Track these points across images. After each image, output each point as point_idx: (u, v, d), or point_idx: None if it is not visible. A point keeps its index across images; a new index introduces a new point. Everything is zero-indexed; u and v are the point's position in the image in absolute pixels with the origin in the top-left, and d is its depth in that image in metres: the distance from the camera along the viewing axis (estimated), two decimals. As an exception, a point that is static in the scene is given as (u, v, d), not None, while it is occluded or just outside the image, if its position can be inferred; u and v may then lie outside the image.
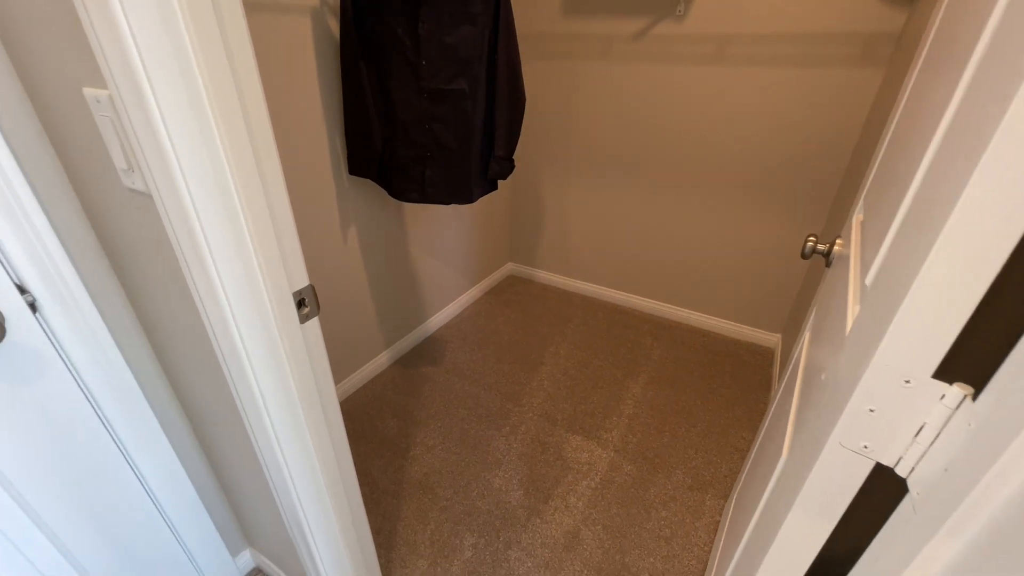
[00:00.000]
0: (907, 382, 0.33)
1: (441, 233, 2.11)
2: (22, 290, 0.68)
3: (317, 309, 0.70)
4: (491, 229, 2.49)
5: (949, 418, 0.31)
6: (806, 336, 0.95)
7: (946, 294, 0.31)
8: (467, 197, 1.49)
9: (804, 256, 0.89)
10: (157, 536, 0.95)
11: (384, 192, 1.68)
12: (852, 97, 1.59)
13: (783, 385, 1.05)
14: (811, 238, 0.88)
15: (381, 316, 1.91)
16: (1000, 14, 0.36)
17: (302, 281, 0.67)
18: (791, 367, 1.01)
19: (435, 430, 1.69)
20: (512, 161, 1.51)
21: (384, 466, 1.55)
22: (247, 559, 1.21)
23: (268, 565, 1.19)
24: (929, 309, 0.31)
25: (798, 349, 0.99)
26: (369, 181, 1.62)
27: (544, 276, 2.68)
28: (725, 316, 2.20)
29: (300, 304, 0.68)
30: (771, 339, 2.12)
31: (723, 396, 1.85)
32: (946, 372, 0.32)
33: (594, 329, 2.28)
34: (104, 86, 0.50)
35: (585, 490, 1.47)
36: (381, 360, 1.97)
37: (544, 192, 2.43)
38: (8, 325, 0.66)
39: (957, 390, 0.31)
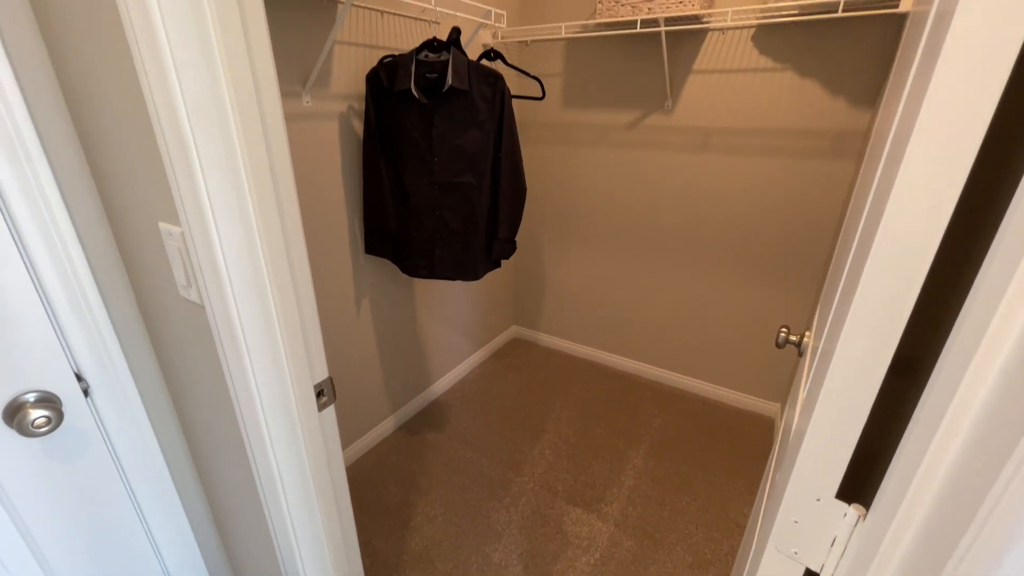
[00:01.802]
0: (818, 500, 0.40)
1: (448, 300, 2.22)
2: (79, 377, 0.78)
3: (334, 397, 0.79)
4: (496, 293, 2.60)
5: (851, 534, 0.38)
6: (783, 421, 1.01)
7: (839, 420, 0.39)
8: (472, 275, 1.61)
9: (778, 346, 0.97)
10: (165, 610, 0.99)
11: (396, 268, 1.81)
12: (830, 185, 1.73)
13: (770, 465, 1.09)
14: (783, 329, 0.96)
15: (388, 382, 1.98)
16: (897, 118, 0.46)
17: (322, 373, 0.76)
18: (776, 448, 1.06)
19: (437, 499, 1.71)
20: (514, 243, 1.64)
21: (386, 536, 1.56)
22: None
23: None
24: (827, 434, 0.39)
25: (779, 432, 1.04)
26: (382, 259, 1.75)
27: (547, 340, 2.75)
28: (725, 384, 2.24)
29: (319, 394, 0.76)
30: (771, 408, 2.14)
31: (724, 467, 1.86)
32: (847, 493, 0.39)
33: (596, 395, 2.32)
34: (177, 224, 0.62)
35: (585, 566, 1.46)
36: (386, 425, 2.02)
37: (546, 259, 2.57)
38: (64, 409, 0.75)
39: (853, 511, 0.38)
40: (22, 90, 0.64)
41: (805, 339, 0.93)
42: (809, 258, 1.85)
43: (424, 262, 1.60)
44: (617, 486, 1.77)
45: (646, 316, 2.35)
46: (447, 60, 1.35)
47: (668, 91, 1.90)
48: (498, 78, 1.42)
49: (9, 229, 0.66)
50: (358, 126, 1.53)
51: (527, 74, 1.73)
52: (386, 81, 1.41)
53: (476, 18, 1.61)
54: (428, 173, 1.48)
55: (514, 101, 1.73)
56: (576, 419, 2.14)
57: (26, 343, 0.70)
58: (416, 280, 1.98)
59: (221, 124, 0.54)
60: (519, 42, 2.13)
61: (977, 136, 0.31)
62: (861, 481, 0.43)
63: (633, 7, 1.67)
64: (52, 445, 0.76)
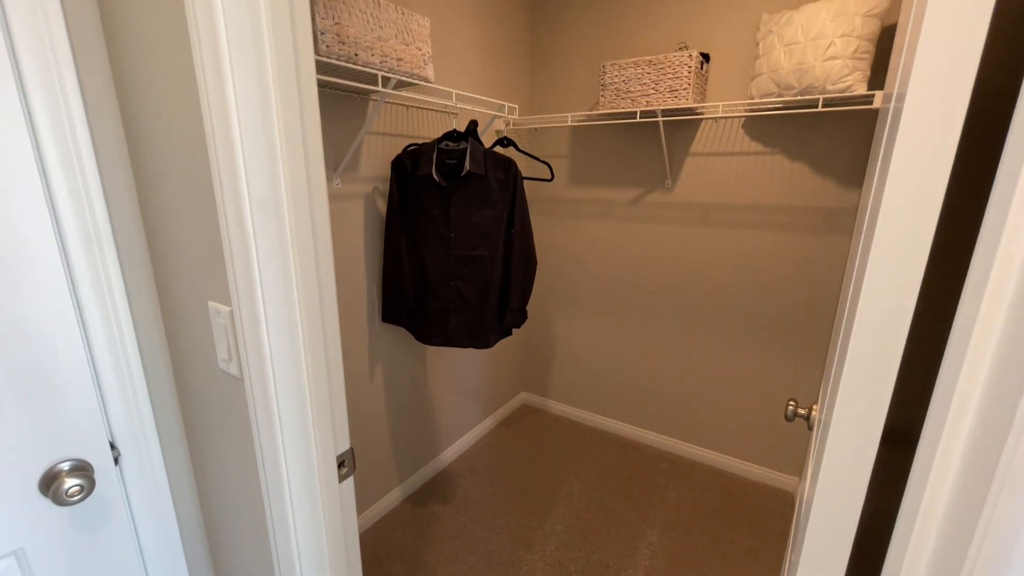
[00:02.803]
0: None
1: (457, 367, 2.25)
2: (112, 445, 0.81)
3: (353, 468, 0.81)
4: (505, 360, 2.62)
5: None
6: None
7: (840, 494, 0.42)
8: (484, 343, 1.65)
9: (787, 419, 0.98)
10: None
11: (410, 336, 1.87)
12: (829, 258, 1.80)
13: (789, 544, 1.06)
14: (791, 402, 0.98)
15: (397, 451, 1.96)
16: (871, 201, 0.52)
17: (344, 445, 0.79)
18: (793, 526, 1.04)
19: (443, 580, 1.63)
20: (525, 312, 1.70)
21: (389, 622, 1.48)
22: None
23: None
24: (830, 509, 0.42)
25: (797, 508, 1.02)
26: (397, 327, 1.81)
27: (557, 407, 2.73)
28: (742, 456, 2.19)
29: (341, 465, 0.79)
30: (790, 482, 2.07)
31: (743, 546, 1.77)
32: (862, 571, 0.41)
33: (608, 466, 2.26)
34: (227, 304, 0.69)
35: (601, 659, 1.37)
36: (393, 497, 1.97)
37: (555, 327, 2.61)
38: (96, 477, 0.78)
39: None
40: (102, 179, 0.74)
41: (813, 412, 0.95)
42: (817, 329, 1.89)
43: (439, 330, 1.65)
44: (632, 566, 1.69)
45: (657, 385, 2.35)
46: (466, 148, 1.49)
47: (668, 171, 2.04)
48: (511, 164, 1.56)
49: (75, 307, 0.73)
50: (381, 205, 1.66)
51: (537, 159, 1.88)
52: (410, 166, 1.55)
53: (491, 111, 1.79)
54: (446, 247, 1.58)
55: (525, 181, 1.87)
56: (588, 492, 2.08)
57: (70, 412, 0.75)
58: (428, 348, 2.02)
59: (278, 220, 0.63)
60: (530, 129, 2.33)
61: (933, 215, 0.37)
62: (875, 560, 0.44)
63: (632, 100, 1.84)
64: (79, 513, 0.78)
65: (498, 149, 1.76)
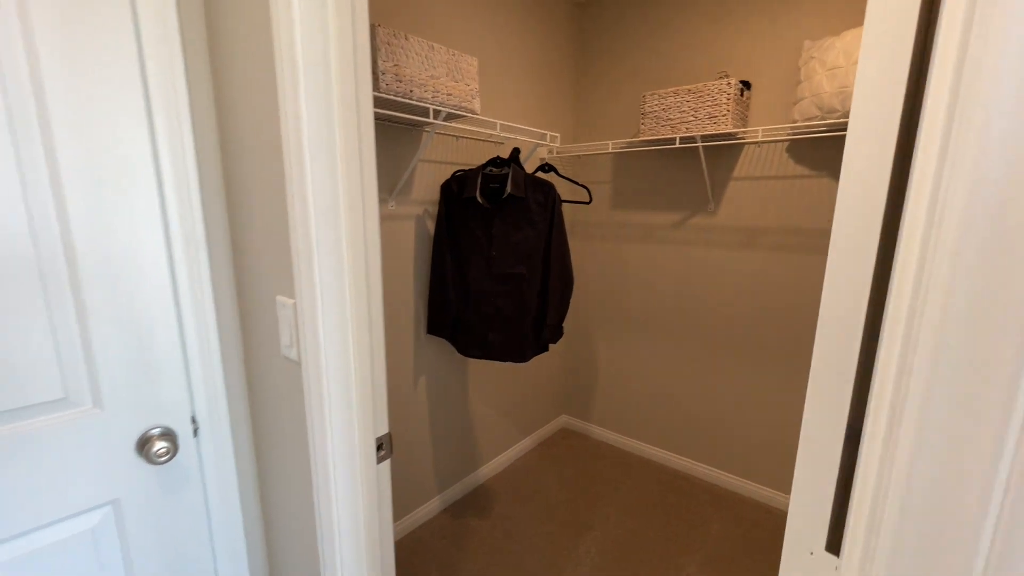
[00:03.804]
0: (811, 553, 0.44)
1: (498, 385, 2.31)
2: (193, 420, 0.95)
3: (391, 452, 0.90)
4: (545, 382, 2.66)
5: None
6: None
7: (815, 479, 0.45)
8: (521, 357, 1.72)
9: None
10: (215, 659, 1.05)
11: (452, 349, 1.97)
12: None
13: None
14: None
15: (437, 461, 2.04)
16: None
17: (383, 429, 0.88)
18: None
19: (475, 590, 1.66)
20: (561, 329, 1.76)
21: (420, 624, 1.53)
22: None
23: None
24: (808, 490, 0.44)
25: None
26: (441, 339, 1.92)
27: (598, 432, 2.71)
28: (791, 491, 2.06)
29: (379, 447, 0.88)
30: (847, 525, 1.92)
31: (792, 589, 1.66)
32: (835, 546, 0.43)
33: (648, 494, 2.21)
34: (291, 297, 0.82)
35: None
36: (432, 506, 2.04)
37: (597, 350, 2.63)
38: (179, 444, 0.92)
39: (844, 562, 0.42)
40: (201, 193, 0.91)
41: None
42: (870, 357, 1.79)
43: (478, 343, 1.74)
44: (668, 597, 1.63)
45: (703, 413, 2.29)
46: (507, 173, 1.61)
47: (710, 195, 2.06)
48: (550, 187, 1.65)
49: (175, 301, 0.89)
50: (430, 225, 1.80)
51: (576, 182, 1.97)
52: (456, 190, 1.69)
53: (533, 140, 1.91)
54: (487, 265, 1.68)
55: (566, 205, 1.96)
56: (625, 519, 2.04)
57: (164, 388, 0.90)
58: (469, 363, 2.11)
59: (335, 229, 0.75)
60: (574, 156, 2.43)
61: (876, 229, 0.41)
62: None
63: (672, 127, 1.90)
64: (165, 474, 0.91)
65: (540, 174, 1.87)
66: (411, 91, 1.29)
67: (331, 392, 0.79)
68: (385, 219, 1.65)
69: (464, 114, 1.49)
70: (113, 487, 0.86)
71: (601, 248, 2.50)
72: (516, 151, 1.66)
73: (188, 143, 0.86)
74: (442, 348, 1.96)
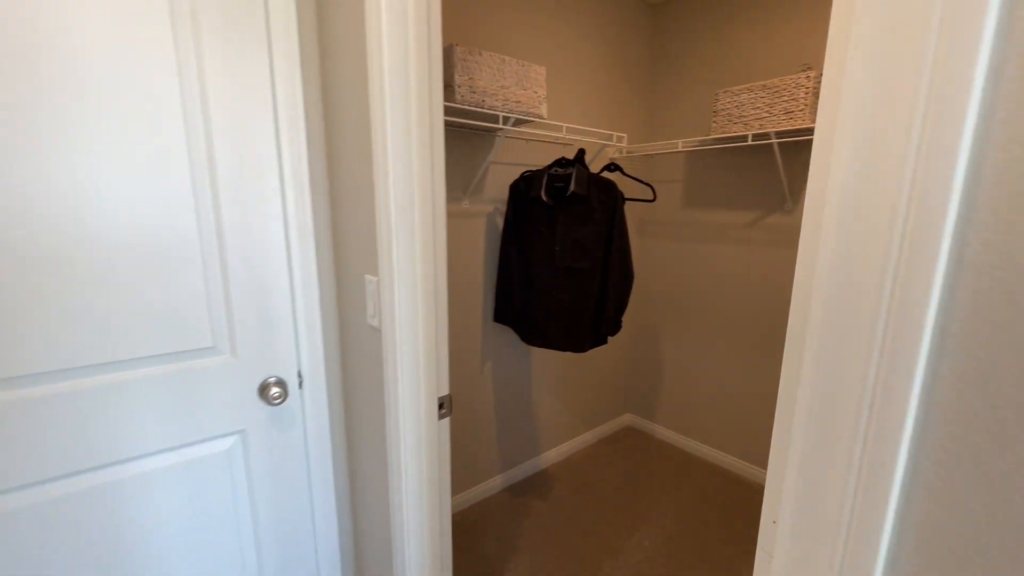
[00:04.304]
0: (773, 522, 0.51)
1: (563, 378, 2.41)
2: (299, 373, 1.18)
3: (450, 412, 1.05)
4: (611, 379, 2.70)
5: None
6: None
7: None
8: (579, 347, 1.81)
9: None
10: (306, 562, 1.28)
11: (517, 337, 2.11)
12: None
13: None
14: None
15: (501, 443, 2.19)
16: None
17: (445, 389, 1.04)
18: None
19: (529, 561, 1.78)
20: (619, 322, 1.82)
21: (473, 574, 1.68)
22: (355, 629, 1.43)
23: (368, 640, 1.39)
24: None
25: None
26: (507, 328, 2.07)
27: (662, 432, 2.69)
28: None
29: (440, 406, 1.04)
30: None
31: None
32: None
33: (709, 496, 2.18)
34: (376, 275, 1.00)
35: (670, 669, 1.37)
36: (494, 483, 2.20)
37: (665, 350, 2.62)
38: (289, 391, 1.15)
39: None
40: (312, 193, 1.13)
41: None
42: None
43: (540, 332, 1.86)
44: (719, 595, 1.63)
45: (769, 420, 2.20)
46: (571, 173, 1.71)
47: (787, 193, 1.99)
48: (612, 186, 1.72)
49: (289, 276, 1.12)
50: (500, 222, 1.95)
51: (641, 181, 2.01)
52: (524, 189, 1.82)
53: (600, 140, 1.99)
54: (551, 259, 1.79)
55: (636, 204, 2.00)
56: (684, 517, 2.04)
57: (279, 345, 1.13)
58: (534, 353, 2.24)
59: (410, 220, 0.91)
60: (644, 155, 2.46)
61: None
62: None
63: (745, 124, 1.87)
64: (277, 414, 1.15)
65: (605, 173, 1.94)
66: (483, 100, 1.45)
67: (403, 355, 0.96)
68: (459, 216, 1.83)
69: (532, 119, 1.61)
70: (242, 420, 1.11)
71: (671, 247, 2.49)
72: (581, 152, 1.75)
73: (303, 151, 1.08)
74: (508, 336, 2.11)
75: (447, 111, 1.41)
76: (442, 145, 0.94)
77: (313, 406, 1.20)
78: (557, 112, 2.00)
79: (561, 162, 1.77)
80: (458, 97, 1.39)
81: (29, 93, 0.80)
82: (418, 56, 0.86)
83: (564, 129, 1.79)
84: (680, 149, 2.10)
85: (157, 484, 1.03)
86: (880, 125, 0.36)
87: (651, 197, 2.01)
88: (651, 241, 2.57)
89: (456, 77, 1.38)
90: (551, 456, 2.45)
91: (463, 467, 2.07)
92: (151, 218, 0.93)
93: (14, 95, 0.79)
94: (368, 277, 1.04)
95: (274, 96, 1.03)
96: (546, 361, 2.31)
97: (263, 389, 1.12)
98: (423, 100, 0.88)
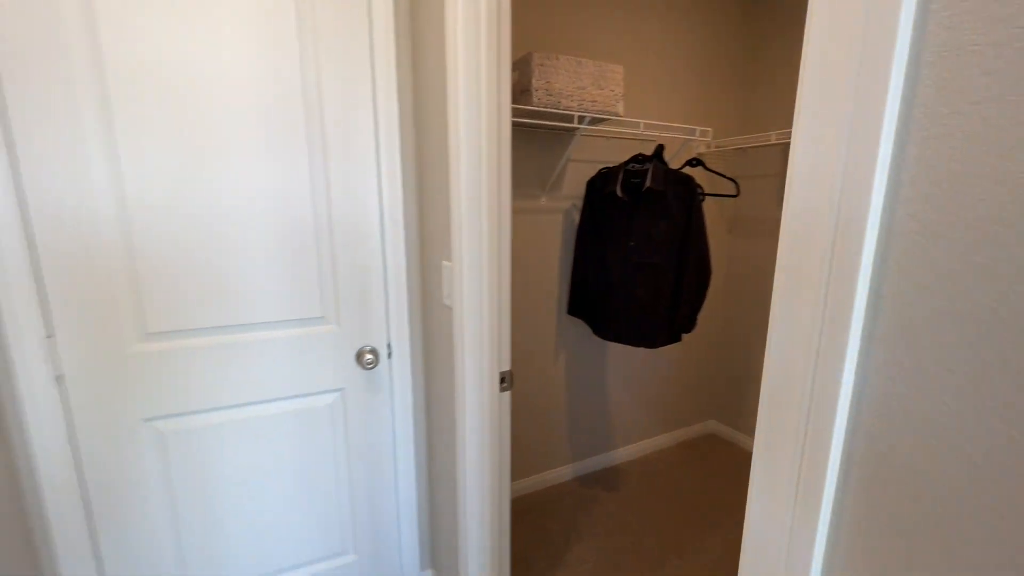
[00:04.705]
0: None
1: (641, 375, 2.40)
2: (388, 344, 1.38)
3: (511, 386, 1.16)
4: (695, 383, 2.62)
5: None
6: None
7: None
8: (651, 343, 1.81)
9: None
10: (388, 521, 1.48)
11: (590, 331, 2.16)
12: None
13: None
14: None
15: (572, 433, 2.26)
16: None
17: (506, 365, 1.15)
18: None
19: (593, 549, 1.83)
20: (695, 320, 1.78)
21: (539, 556, 1.78)
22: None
23: (438, 589, 1.56)
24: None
25: None
26: (580, 321, 2.13)
27: (746, 441, 2.55)
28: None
29: (502, 380, 1.15)
30: None
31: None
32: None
33: (794, 513, 2.03)
34: (450, 260, 1.15)
35: (727, 672, 1.34)
36: (563, 471, 2.27)
37: (755, 356, 2.47)
38: (379, 358, 1.35)
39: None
40: (403, 191, 1.31)
41: None
42: None
43: (612, 327, 1.90)
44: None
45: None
46: (647, 169, 1.72)
47: (901, 187, 1.78)
48: (689, 180, 1.70)
49: (383, 260, 1.31)
50: (576, 217, 2.02)
51: (723, 175, 1.94)
52: (600, 185, 1.87)
53: (682, 135, 1.96)
54: (624, 253, 1.82)
55: (727, 203, 1.95)
56: (761, 529, 1.93)
57: (373, 318, 1.33)
58: (610, 349, 2.27)
59: (476, 214, 1.04)
60: (736, 149, 2.35)
61: None
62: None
63: (849, 112, 1.72)
64: (369, 378, 1.36)
65: (687, 169, 1.91)
66: (559, 102, 1.54)
67: (470, 332, 1.09)
68: (536, 212, 1.94)
69: (608, 116, 1.66)
70: (342, 380, 1.33)
71: (764, 246, 2.35)
72: (660, 148, 1.76)
73: (397, 155, 1.27)
74: (582, 329, 2.16)
75: (524, 114, 1.53)
76: (508, 147, 1.06)
77: (399, 373, 1.39)
78: (636, 109, 2.01)
79: (638, 158, 1.79)
80: (535, 100, 1.50)
81: (196, 122, 1.07)
82: (488, 73, 0.98)
83: (641, 125, 1.81)
84: (774, 142, 1.99)
85: (282, 424, 1.28)
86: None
87: (734, 192, 1.93)
88: (742, 240, 2.44)
89: (533, 81, 1.48)
90: (625, 453, 2.45)
91: (532, 452, 2.17)
92: (281, 211, 1.18)
93: (184, 122, 1.06)
94: (444, 263, 1.19)
95: (375, 107, 1.23)
96: (624, 358, 2.32)
97: (359, 355, 1.33)
98: (492, 112, 1.01)
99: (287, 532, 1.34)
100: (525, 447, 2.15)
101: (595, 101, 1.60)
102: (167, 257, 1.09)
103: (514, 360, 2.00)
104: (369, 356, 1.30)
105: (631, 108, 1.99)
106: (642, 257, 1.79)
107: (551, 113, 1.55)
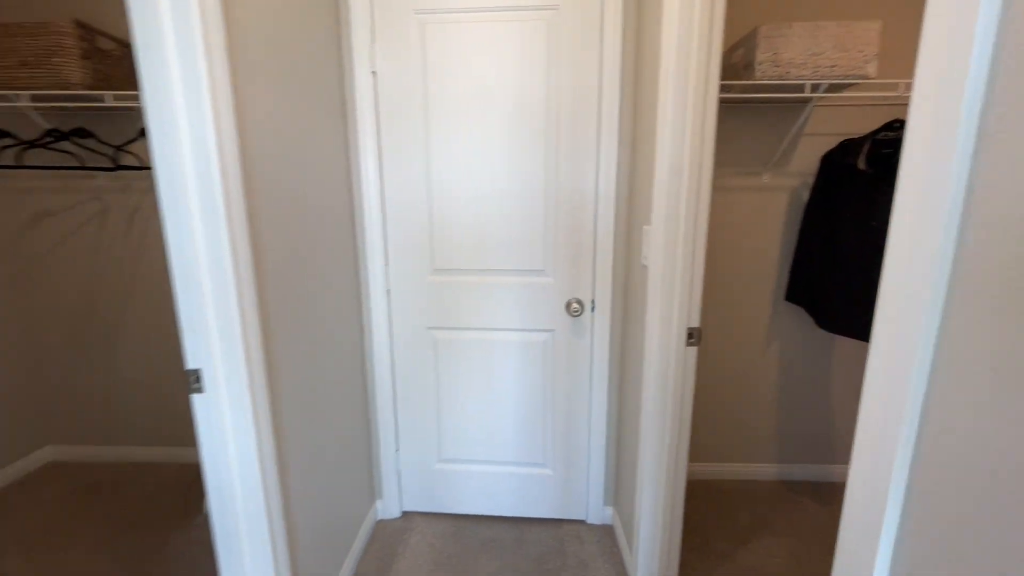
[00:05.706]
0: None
1: (878, 383, 2.04)
2: (592, 300, 1.62)
3: (698, 342, 1.26)
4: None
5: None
6: None
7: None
8: (890, 339, 1.56)
9: None
10: (580, 451, 1.74)
11: (810, 322, 1.95)
12: None
13: None
14: None
15: (780, 432, 2.10)
16: None
17: (695, 322, 1.25)
18: None
19: (786, 548, 1.72)
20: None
21: (719, 536, 1.77)
22: (610, 513, 1.82)
23: (617, 527, 1.75)
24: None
25: None
26: (800, 309, 1.95)
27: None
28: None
29: (689, 335, 1.26)
30: None
31: None
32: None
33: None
34: (649, 224, 1.30)
35: None
36: (767, 471, 2.13)
37: None
38: (584, 307, 1.61)
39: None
40: (618, 170, 1.52)
41: None
42: None
43: (839, 317, 1.70)
44: None
45: None
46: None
47: None
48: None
49: (594, 224, 1.56)
50: (804, 196, 1.86)
51: None
52: (839, 159, 1.68)
53: (971, 93, 1.57)
54: (864, 235, 1.61)
55: None
56: None
57: (582, 275, 1.59)
58: (836, 344, 2.00)
59: (678, 181, 1.17)
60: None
61: None
62: None
63: None
64: (573, 325, 1.63)
65: (972, 135, 1.54)
66: (788, 72, 1.48)
67: (661, 286, 1.24)
68: (756, 190, 1.87)
69: (853, 81, 1.50)
70: (553, 323, 1.64)
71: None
72: (926, 111, 1.48)
73: (613, 133, 1.48)
74: (802, 320, 1.98)
75: (742, 89, 1.55)
76: (713, 121, 1.15)
77: (600, 324, 1.62)
78: (897, 68, 1.70)
79: (894, 125, 1.55)
80: (758, 74, 1.48)
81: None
82: (698, 56, 1.10)
83: (901, 87, 1.55)
84: None
85: (510, 349, 1.68)
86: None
87: None
88: None
89: (758, 55, 1.47)
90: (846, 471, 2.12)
91: (730, 440, 2.11)
92: (522, 189, 1.54)
93: (470, 135, 1.50)
94: (645, 227, 1.35)
95: (599, 107, 1.47)
96: (854, 357, 2.01)
97: (567, 305, 1.61)
98: (699, 88, 1.12)
99: (504, 432, 1.75)
100: (724, 433, 2.11)
101: (835, 65, 1.47)
102: (450, 220, 1.58)
103: (720, 345, 2.00)
104: (576, 306, 1.57)
105: (891, 68, 1.70)
106: (886, 239, 1.55)
107: (774, 85, 1.51)
